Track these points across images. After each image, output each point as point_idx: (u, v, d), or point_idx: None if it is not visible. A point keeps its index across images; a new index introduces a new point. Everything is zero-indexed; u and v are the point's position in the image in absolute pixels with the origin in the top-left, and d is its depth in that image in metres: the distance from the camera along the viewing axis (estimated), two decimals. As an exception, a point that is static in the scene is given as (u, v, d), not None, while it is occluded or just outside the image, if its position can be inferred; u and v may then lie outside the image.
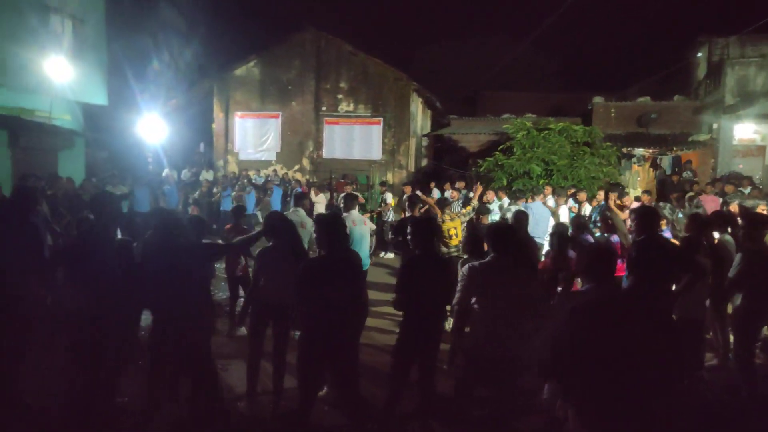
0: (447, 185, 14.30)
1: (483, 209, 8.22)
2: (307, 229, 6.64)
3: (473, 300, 3.75)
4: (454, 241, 7.32)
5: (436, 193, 13.47)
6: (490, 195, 10.45)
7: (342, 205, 7.45)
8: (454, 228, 7.49)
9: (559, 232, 5.76)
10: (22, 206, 4.66)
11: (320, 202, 13.17)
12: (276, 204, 14.08)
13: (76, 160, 14.36)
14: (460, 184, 13.97)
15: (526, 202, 9.32)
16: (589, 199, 10.15)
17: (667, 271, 3.44)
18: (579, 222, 6.40)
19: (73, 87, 13.50)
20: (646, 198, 10.73)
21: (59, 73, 12.94)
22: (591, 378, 2.56)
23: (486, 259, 3.89)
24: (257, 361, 4.74)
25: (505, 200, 10.18)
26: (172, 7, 21.24)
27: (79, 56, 14.02)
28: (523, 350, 3.59)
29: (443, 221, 7.46)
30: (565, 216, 8.88)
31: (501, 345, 3.63)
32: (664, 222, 7.94)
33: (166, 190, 12.51)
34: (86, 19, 14.57)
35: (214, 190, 14.83)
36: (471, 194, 11.11)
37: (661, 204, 10.59)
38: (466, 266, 3.87)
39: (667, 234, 7.32)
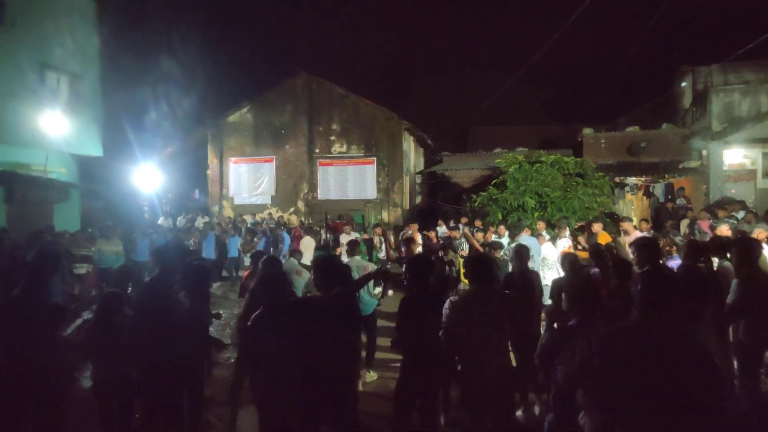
0: (440, 222, 14.43)
1: (495, 244, 8.27)
2: (303, 277, 6.68)
3: (457, 331, 3.82)
4: None
5: (441, 230, 13.55)
6: (501, 230, 10.43)
7: (346, 251, 7.54)
8: None
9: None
10: (48, 269, 4.36)
11: (308, 245, 12.82)
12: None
13: (72, 212, 14.38)
14: (462, 220, 14.12)
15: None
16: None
17: (675, 302, 3.42)
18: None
19: (68, 140, 13.66)
20: (645, 226, 10.77)
21: (55, 127, 13.11)
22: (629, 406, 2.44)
23: (466, 291, 4.04)
24: None
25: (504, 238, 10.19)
26: (166, 59, 21.67)
27: (74, 110, 14.22)
28: (503, 376, 3.79)
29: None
30: (564, 247, 8.88)
31: (483, 372, 3.76)
32: (674, 249, 7.95)
33: (155, 239, 12.48)
34: (82, 74, 14.84)
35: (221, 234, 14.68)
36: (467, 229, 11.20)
37: (672, 231, 10.63)
38: (448, 300, 3.99)
39: (677, 261, 7.28)
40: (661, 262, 5.46)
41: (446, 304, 3.95)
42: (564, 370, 3.25)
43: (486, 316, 3.82)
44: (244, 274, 7.26)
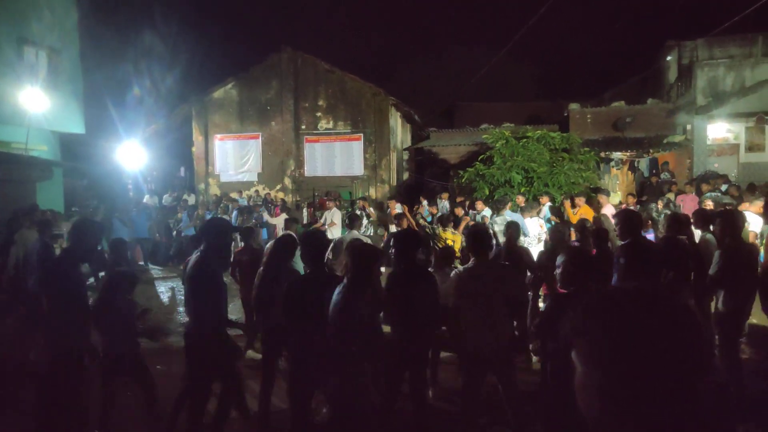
0: (422, 198, 14.48)
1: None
2: None
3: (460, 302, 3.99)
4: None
5: (424, 208, 13.54)
6: (479, 205, 10.63)
7: (347, 224, 7.64)
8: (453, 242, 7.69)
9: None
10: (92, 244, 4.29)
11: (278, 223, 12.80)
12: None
13: (55, 190, 14.21)
14: (443, 196, 14.18)
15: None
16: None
17: (654, 272, 3.53)
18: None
19: (48, 117, 13.42)
20: (631, 200, 10.92)
21: (35, 104, 12.86)
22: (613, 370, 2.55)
23: (468, 264, 4.15)
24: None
25: (486, 210, 10.32)
26: (148, 34, 21.23)
27: (54, 86, 13.94)
28: (502, 344, 3.95)
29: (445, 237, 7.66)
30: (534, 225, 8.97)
31: (483, 341, 3.92)
32: (649, 223, 8.15)
33: (133, 215, 12.44)
34: (61, 49, 14.53)
35: (197, 213, 14.77)
36: (447, 206, 11.35)
37: (651, 205, 10.80)
38: (453, 273, 4.17)
39: (650, 235, 7.48)
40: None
41: (452, 277, 4.15)
42: (562, 337, 3.34)
43: (486, 287, 3.98)
44: (237, 249, 7.26)
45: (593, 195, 12.54)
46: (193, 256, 4.17)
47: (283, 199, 18.25)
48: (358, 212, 12.37)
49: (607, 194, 10.69)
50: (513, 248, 6.23)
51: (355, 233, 7.13)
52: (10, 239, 8.06)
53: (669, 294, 2.68)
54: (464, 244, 7.59)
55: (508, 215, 8.88)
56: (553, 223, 8.59)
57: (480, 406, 4.18)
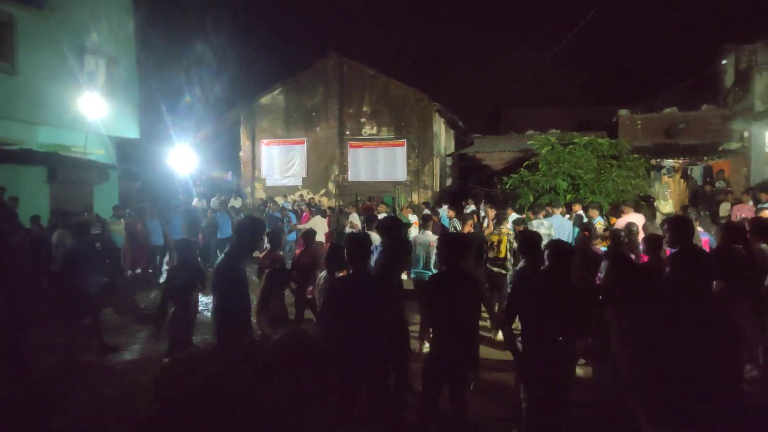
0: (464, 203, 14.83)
1: (519, 220, 8.36)
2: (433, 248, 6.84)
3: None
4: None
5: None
6: (489, 211, 10.67)
7: (419, 225, 7.84)
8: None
9: None
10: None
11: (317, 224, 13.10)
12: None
13: (111, 193, 14.82)
14: (469, 202, 14.50)
15: (546, 216, 9.42)
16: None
17: (704, 281, 3.46)
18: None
19: (106, 122, 14.04)
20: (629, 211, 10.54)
21: (94, 110, 13.49)
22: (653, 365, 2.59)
23: (519, 267, 4.32)
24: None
25: (513, 216, 10.20)
26: (199, 42, 21.94)
27: (112, 93, 14.58)
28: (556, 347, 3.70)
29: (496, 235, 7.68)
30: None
31: (537, 343, 3.72)
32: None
33: (170, 217, 12.78)
34: (119, 58, 15.19)
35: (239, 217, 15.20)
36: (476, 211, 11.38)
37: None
38: (509, 275, 4.11)
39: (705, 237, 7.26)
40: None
41: (511, 279, 4.39)
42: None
43: (541, 290, 3.83)
44: (261, 255, 7.38)
45: (643, 203, 12.18)
46: (221, 257, 4.27)
47: (312, 204, 18.17)
48: (427, 212, 12.53)
49: (650, 202, 10.42)
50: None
51: (428, 233, 7.22)
52: (48, 241, 8.46)
53: (707, 296, 2.68)
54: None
55: (556, 221, 8.81)
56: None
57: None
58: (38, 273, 7.36)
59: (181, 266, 6.00)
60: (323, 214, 14.06)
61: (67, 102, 13.12)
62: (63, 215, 9.80)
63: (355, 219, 12.26)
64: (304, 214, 14.99)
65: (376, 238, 5.98)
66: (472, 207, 14.20)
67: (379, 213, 12.54)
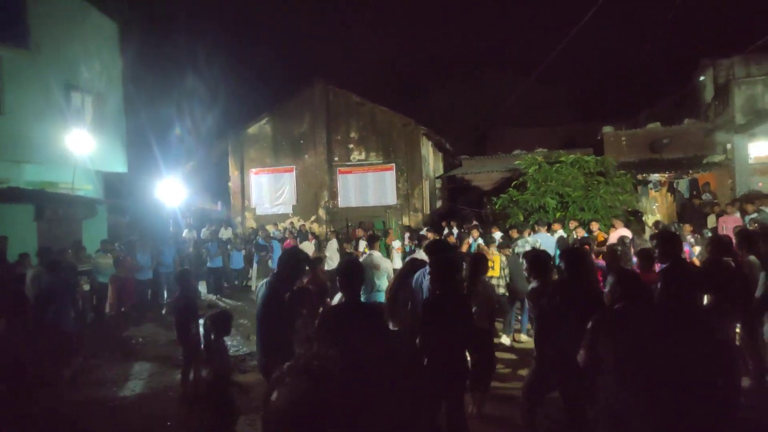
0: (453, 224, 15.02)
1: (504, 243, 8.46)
2: (381, 271, 6.91)
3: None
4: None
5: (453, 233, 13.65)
6: (474, 233, 10.82)
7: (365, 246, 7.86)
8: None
9: None
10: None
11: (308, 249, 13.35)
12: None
13: (99, 227, 14.71)
14: (453, 223, 14.68)
15: (531, 233, 9.68)
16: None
17: (694, 296, 3.49)
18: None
19: (93, 158, 14.01)
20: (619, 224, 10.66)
21: (81, 146, 13.46)
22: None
23: (533, 285, 4.37)
24: None
25: (497, 234, 10.40)
26: (187, 75, 22.13)
27: (99, 128, 14.59)
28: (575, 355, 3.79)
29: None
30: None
31: (558, 351, 3.88)
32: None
33: (164, 250, 12.78)
34: (106, 93, 15.24)
35: (228, 247, 15.31)
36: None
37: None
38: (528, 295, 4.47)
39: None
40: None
41: (528, 299, 4.49)
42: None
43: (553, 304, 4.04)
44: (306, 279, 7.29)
45: (632, 218, 12.29)
46: (263, 288, 4.27)
47: (294, 231, 18.04)
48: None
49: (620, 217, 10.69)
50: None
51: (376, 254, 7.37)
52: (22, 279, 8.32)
53: (697, 317, 2.68)
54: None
55: (542, 237, 8.94)
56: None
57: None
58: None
59: (182, 297, 6.01)
60: (306, 238, 14.39)
61: (54, 139, 13.09)
62: (45, 253, 9.63)
63: (331, 246, 12.71)
64: (287, 240, 15.01)
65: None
66: (455, 229, 14.29)
67: (359, 237, 12.84)
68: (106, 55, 15.21)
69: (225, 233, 18.67)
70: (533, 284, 4.48)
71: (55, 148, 13.12)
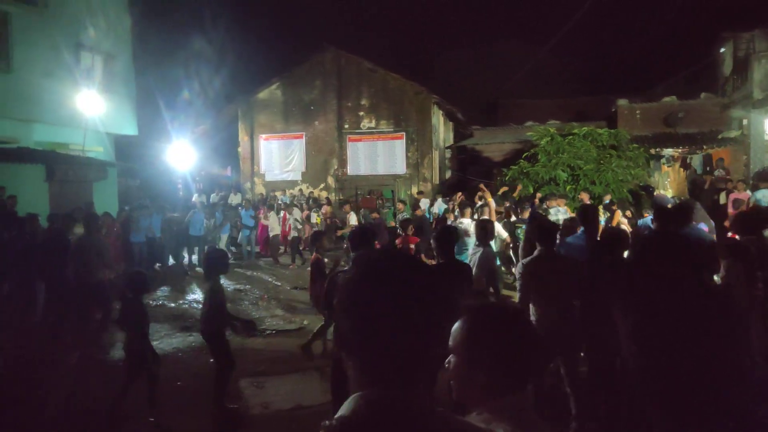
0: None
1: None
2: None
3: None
4: None
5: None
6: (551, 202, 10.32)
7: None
8: None
9: None
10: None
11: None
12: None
13: (110, 190, 14.80)
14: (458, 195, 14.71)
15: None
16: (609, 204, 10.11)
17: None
18: None
19: (104, 119, 13.99)
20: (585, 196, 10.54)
21: (91, 107, 13.43)
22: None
23: (534, 254, 4.35)
24: None
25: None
26: (197, 38, 21.87)
27: (109, 90, 14.54)
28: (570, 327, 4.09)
29: None
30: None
31: (553, 324, 4.03)
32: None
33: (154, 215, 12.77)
34: (116, 54, 15.13)
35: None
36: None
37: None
38: (520, 264, 4.40)
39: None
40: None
41: (519, 267, 4.45)
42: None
43: (557, 274, 4.17)
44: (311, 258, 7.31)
45: (642, 193, 12.19)
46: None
47: (268, 197, 17.97)
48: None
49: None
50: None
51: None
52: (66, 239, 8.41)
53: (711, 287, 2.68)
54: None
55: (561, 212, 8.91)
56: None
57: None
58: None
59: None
60: (275, 209, 14.93)
61: (64, 99, 13.06)
62: (78, 211, 9.65)
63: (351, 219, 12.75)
64: (260, 209, 15.22)
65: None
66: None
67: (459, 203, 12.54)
68: (114, 14, 15.05)
69: (234, 199, 18.74)
70: (537, 252, 4.34)
71: (65, 109, 13.10)
